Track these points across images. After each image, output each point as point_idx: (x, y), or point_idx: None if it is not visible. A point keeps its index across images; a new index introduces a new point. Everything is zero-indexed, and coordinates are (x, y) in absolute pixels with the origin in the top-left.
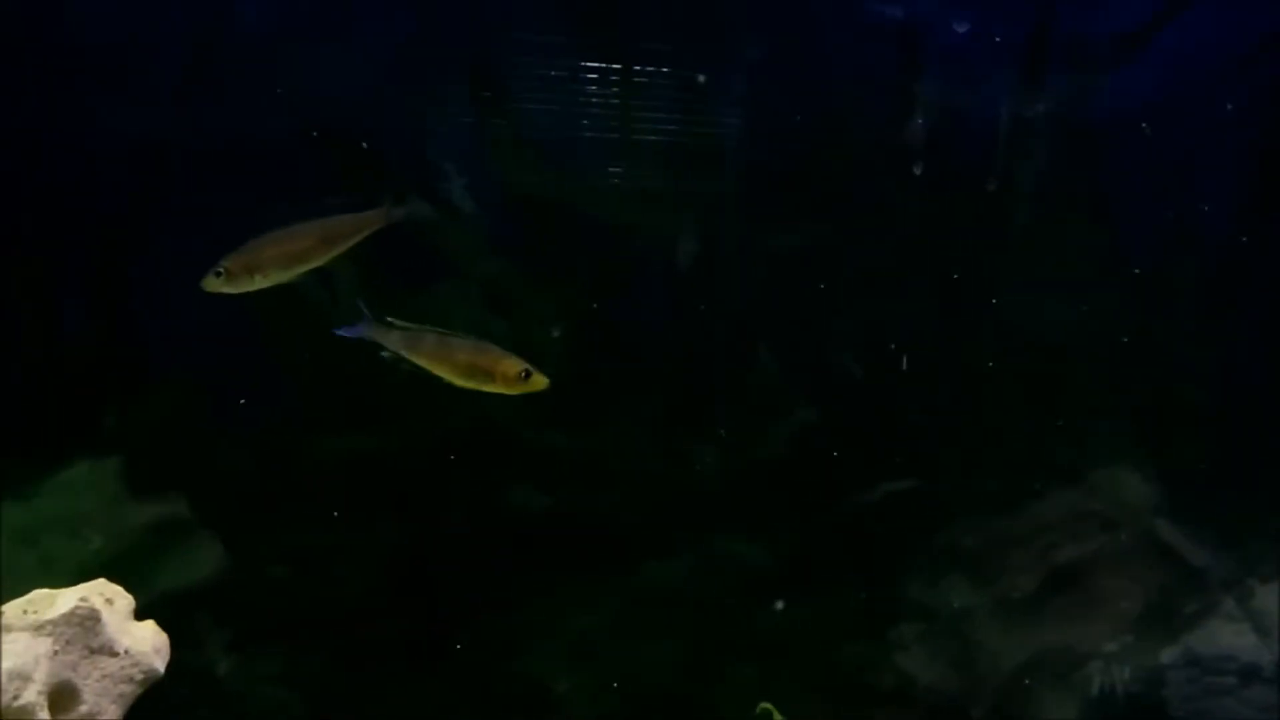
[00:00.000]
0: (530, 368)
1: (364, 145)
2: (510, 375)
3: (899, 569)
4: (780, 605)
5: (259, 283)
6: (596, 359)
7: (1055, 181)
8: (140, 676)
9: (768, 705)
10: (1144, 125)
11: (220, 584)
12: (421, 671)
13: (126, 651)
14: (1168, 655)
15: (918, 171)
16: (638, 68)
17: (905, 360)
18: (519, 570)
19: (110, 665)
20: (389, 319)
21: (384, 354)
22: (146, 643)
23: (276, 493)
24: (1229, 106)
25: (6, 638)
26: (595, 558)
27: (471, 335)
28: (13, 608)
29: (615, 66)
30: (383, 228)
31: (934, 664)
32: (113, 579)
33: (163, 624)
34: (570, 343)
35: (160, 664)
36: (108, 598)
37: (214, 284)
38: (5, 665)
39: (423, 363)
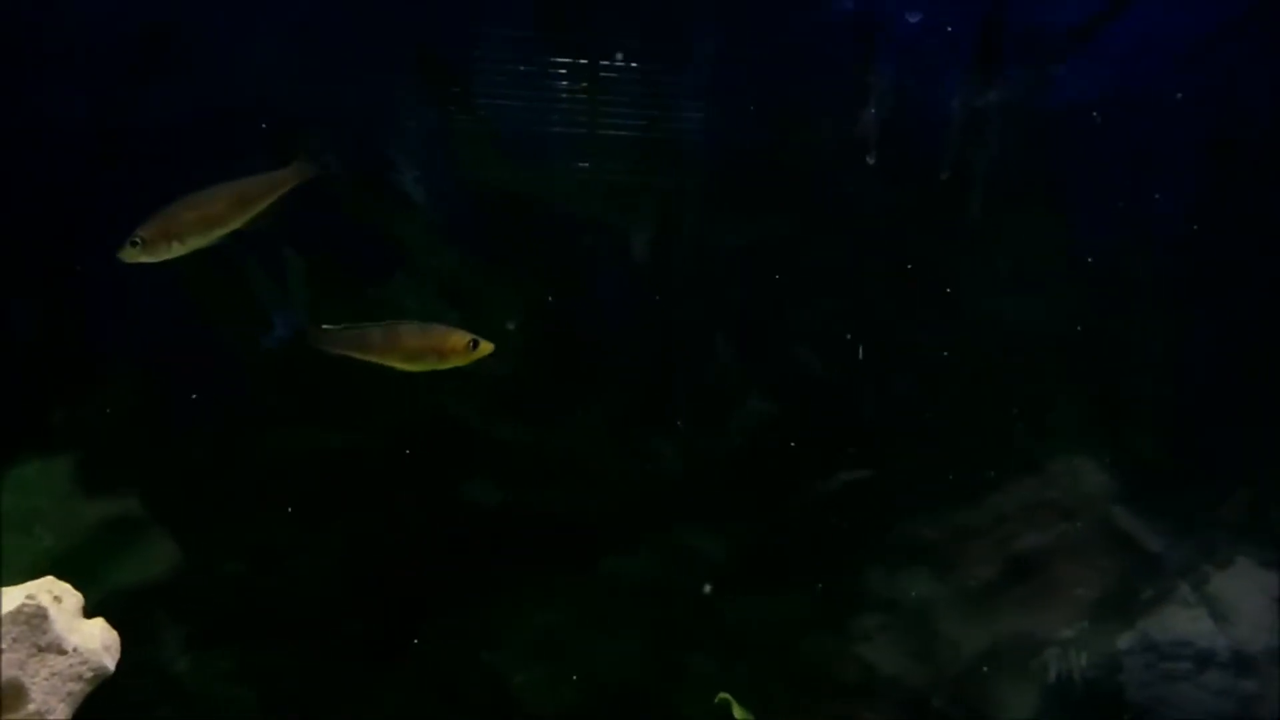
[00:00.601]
0: (476, 337)
1: (315, 134)
2: (460, 348)
3: (858, 560)
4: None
5: (176, 250)
6: (555, 353)
7: (1011, 173)
8: (90, 675)
9: (726, 695)
10: (1095, 114)
11: (176, 581)
12: (381, 668)
13: (75, 649)
14: (1125, 641)
15: (874, 163)
16: (598, 61)
17: (861, 351)
18: (479, 566)
19: (59, 663)
20: (325, 326)
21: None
22: (96, 640)
23: (232, 489)
24: (1185, 96)
25: None
26: (555, 552)
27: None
28: None
29: (576, 60)
30: (297, 185)
31: (895, 654)
32: (66, 576)
33: (118, 621)
34: (528, 336)
35: (110, 662)
36: (56, 595)
37: (132, 254)
38: None
39: (373, 358)
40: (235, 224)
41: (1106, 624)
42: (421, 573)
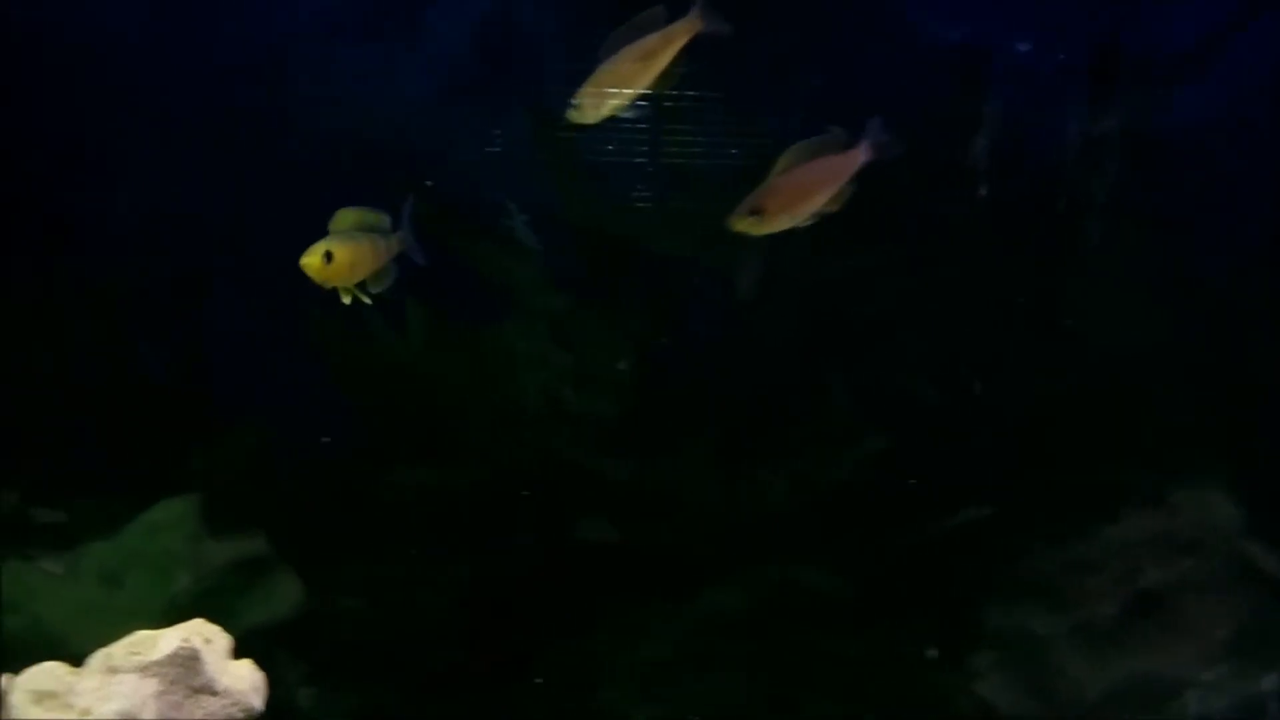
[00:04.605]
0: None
1: (428, 183)
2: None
3: (976, 596)
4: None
5: (604, 111)
6: (663, 390)
7: (1128, 200)
8: (240, 715)
9: None
10: (1215, 138)
11: (300, 619)
12: (498, 703)
13: (226, 690)
14: (1267, 682)
15: (987, 194)
16: (694, 94)
17: (979, 385)
18: (593, 602)
19: (211, 704)
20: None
21: None
22: (245, 681)
23: (355, 529)
24: None
25: (114, 679)
26: (668, 589)
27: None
28: (120, 649)
29: (674, 93)
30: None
31: (1015, 693)
32: (196, 617)
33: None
34: (636, 374)
35: (259, 701)
36: (206, 638)
37: (574, 115)
38: (115, 706)
39: None
40: (643, 82)
41: (1245, 664)
42: (538, 609)
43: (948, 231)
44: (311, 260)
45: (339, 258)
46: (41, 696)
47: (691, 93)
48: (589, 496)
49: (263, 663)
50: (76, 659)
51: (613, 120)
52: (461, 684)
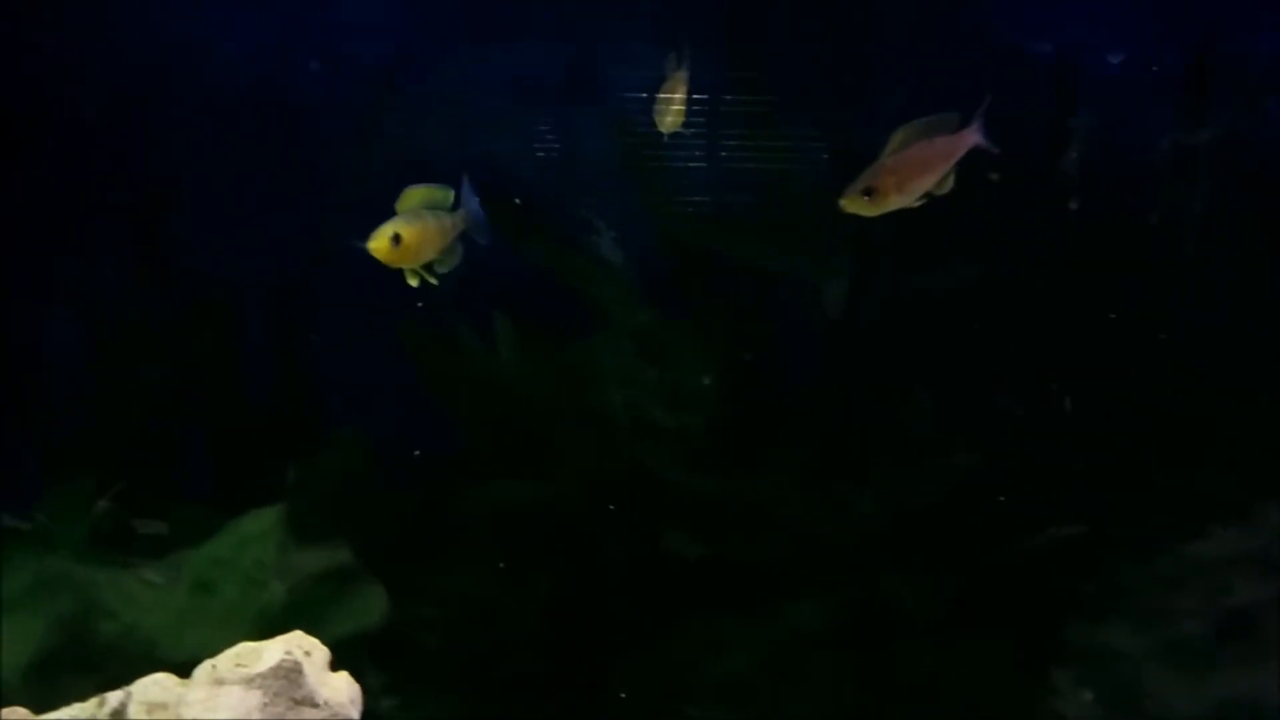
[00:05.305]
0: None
1: (516, 200)
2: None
3: (1064, 613)
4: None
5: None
6: (748, 404)
7: (1221, 213)
8: None
9: None
10: None
11: (387, 630)
12: (581, 716)
13: (326, 703)
14: None
15: (1076, 206)
16: (779, 101)
17: (1069, 401)
18: (678, 615)
19: (312, 716)
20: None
21: None
22: (343, 694)
23: (441, 540)
24: None
25: (221, 691)
26: (753, 603)
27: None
28: (225, 660)
29: (759, 99)
30: None
31: (1102, 713)
32: (286, 626)
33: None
34: (722, 389)
35: (356, 714)
36: (306, 650)
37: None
38: (222, 718)
39: None
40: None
41: None
42: (622, 623)
43: (1038, 245)
44: (379, 245)
45: (407, 240)
46: (153, 708)
47: (775, 100)
48: (674, 510)
49: (351, 673)
50: (168, 666)
51: (698, 132)
52: (545, 696)
